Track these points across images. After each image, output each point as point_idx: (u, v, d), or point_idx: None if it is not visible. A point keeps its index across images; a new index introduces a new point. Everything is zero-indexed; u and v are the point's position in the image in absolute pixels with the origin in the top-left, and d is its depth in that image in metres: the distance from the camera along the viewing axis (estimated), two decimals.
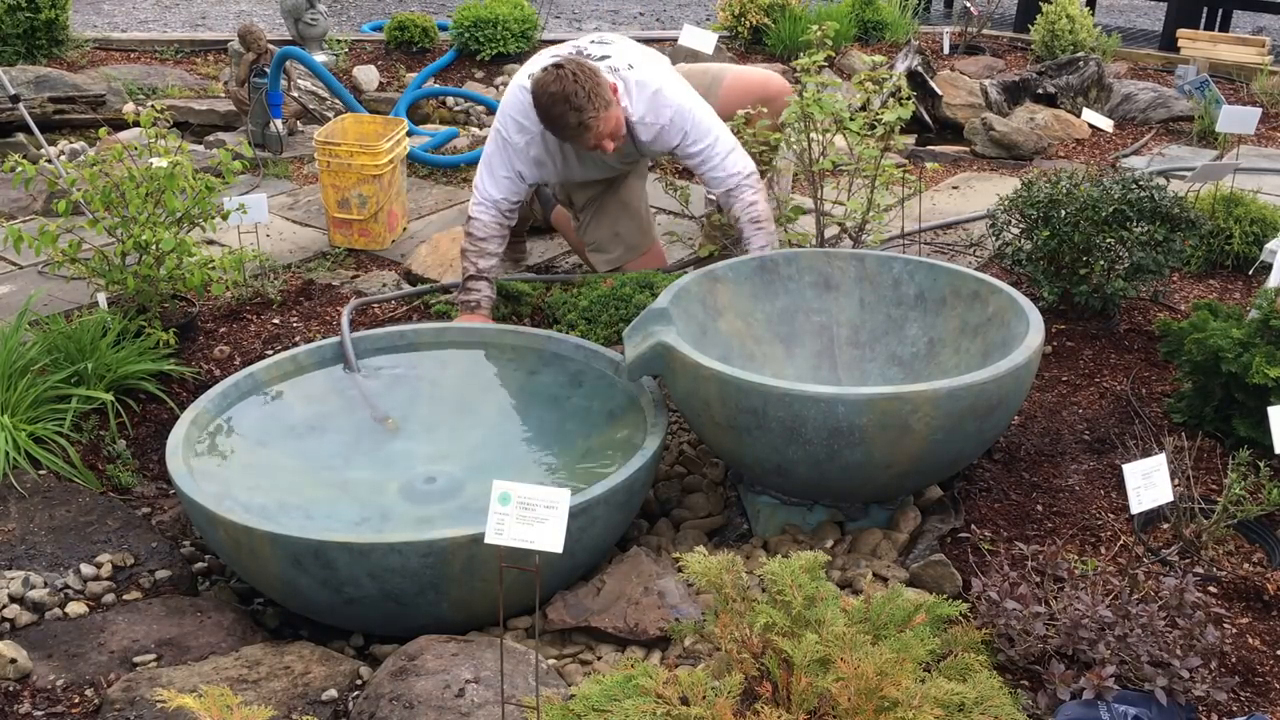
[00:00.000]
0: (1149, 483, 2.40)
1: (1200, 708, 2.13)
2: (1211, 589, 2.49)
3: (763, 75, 4.28)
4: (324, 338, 3.57)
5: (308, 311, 3.88)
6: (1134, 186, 3.63)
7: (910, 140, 5.95)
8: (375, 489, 2.83)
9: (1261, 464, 2.76)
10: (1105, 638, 2.16)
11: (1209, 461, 2.99)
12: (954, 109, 6.22)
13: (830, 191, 3.92)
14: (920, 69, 6.25)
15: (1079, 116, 6.02)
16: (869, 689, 1.76)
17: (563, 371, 3.21)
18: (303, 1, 6.42)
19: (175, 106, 5.71)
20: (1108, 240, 3.57)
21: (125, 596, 2.63)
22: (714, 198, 3.77)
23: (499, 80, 6.60)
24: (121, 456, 3.20)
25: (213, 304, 3.88)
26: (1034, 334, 2.73)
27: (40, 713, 2.21)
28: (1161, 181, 3.74)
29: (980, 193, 5.08)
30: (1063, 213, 3.57)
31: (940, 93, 6.24)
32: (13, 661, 2.28)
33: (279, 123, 5.46)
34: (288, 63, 5.52)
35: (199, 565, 2.90)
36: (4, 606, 2.51)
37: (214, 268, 3.60)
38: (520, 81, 3.60)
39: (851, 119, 3.62)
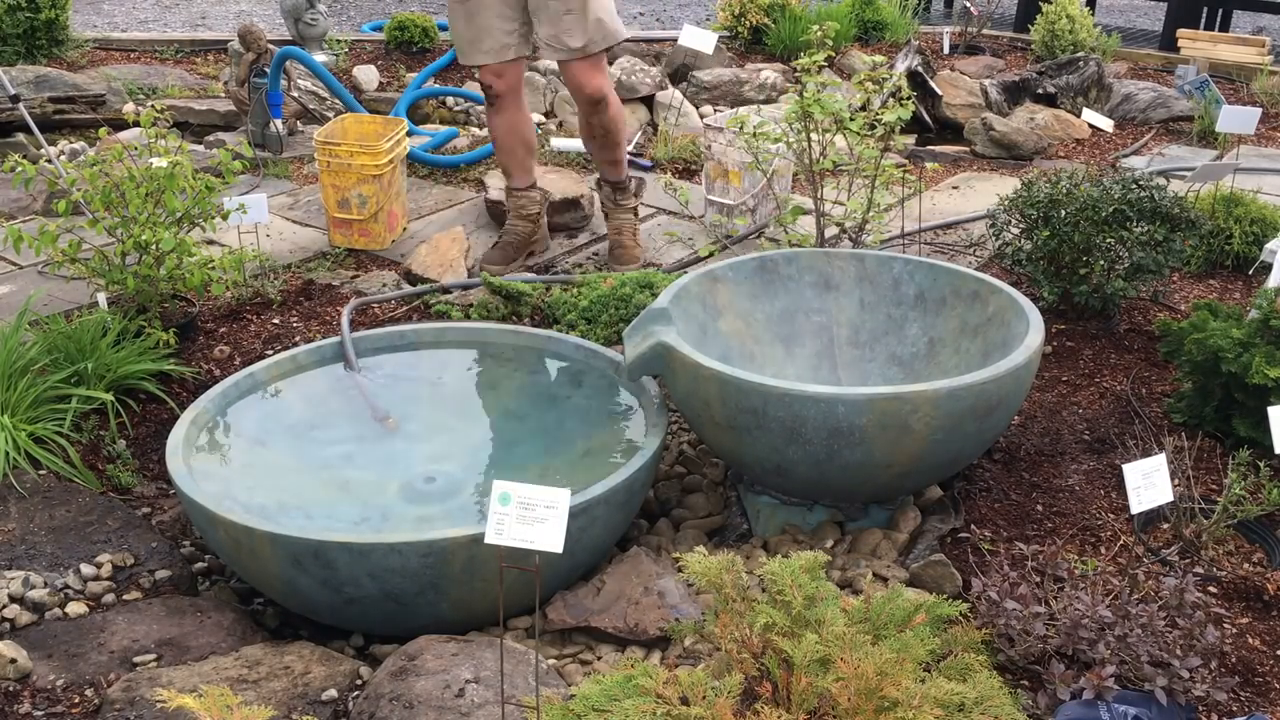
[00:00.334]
0: (1149, 483, 2.40)
1: (1200, 708, 2.13)
2: (1211, 589, 2.49)
3: None
4: (324, 337, 3.57)
5: (308, 311, 3.88)
6: (1134, 186, 3.63)
7: (910, 140, 5.94)
8: (375, 489, 2.83)
9: (1261, 464, 2.76)
10: (1105, 638, 2.16)
11: (1209, 461, 2.99)
12: (954, 109, 6.22)
13: (830, 191, 3.92)
14: (920, 69, 6.25)
15: (1079, 116, 6.01)
16: (869, 689, 1.76)
17: (563, 371, 3.22)
18: (303, 1, 6.41)
19: (175, 106, 5.70)
20: (1108, 240, 3.57)
21: (125, 596, 2.63)
22: (713, 198, 3.76)
23: None
24: (121, 456, 3.20)
25: (213, 304, 3.88)
26: (1034, 334, 2.73)
27: (40, 713, 2.21)
28: (1161, 181, 3.73)
29: (980, 193, 5.08)
30: (1063, 213, 3.57)
31: (940, 93, 6.24)
32: (13, 661, 2.28)
33: (279, 123, 5.46)
34: (288, 63, 5.51)
35: (199, 565, 2.90)
36: (4, 606, 2.51)
37: (214, 268, 3.60)
38: None
39: (851, 119, 3.62)
